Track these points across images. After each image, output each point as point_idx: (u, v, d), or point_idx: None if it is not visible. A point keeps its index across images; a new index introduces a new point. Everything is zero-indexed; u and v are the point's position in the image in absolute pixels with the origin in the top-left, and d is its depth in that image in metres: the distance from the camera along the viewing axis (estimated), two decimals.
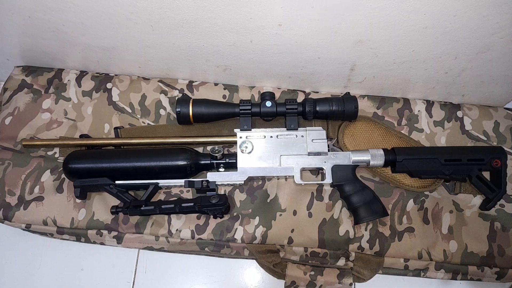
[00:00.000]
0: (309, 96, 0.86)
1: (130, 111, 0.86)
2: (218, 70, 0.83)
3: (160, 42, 0.77)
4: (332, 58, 0.76)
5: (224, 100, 0.85)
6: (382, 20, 0.66)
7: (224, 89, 0.87)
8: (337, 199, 0.78)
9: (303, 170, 0.77)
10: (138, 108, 0.86)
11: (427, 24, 0.67)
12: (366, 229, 0.76)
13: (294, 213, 0.77)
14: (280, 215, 0.77)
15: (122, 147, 0.81)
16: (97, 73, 0.91)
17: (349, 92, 0.82)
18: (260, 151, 0.77)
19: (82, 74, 0.90)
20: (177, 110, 0.77)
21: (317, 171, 0.80)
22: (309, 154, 0.76)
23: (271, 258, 0.76)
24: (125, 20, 0.72)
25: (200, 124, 0.81)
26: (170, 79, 0.89)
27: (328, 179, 0.75)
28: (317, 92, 0.87)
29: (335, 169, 0.75)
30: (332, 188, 0.79)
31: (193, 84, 0.88)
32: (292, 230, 0.76)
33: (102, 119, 0.86)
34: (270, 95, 0.79)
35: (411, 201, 0.79)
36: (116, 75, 0.90)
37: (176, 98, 0.82)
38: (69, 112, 0.86)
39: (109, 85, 0.88)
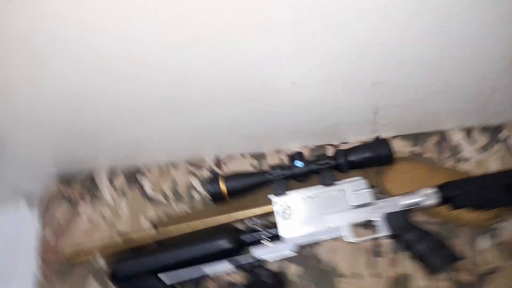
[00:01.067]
0: (339, 148, 0.83)
1: (164, 200, 0.85)
2: (241, 140, 0.82)
3: (181, 125, 0.77)
4: (352, 105, 0.74)
5: (254, 170, 0.83)
6: (393, 59, 0.64)
7: (252, 158, 0.85)
8: (399, 251, 0.71)
9: (352, 225, 0.71)
10: (171, 196, 0.85)
11: (440, 55, 0.65)
12: (444, 280, 0.67)
13: (356, 276, 0.70)
14: (340, 281, 0.70)
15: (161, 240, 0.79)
16: (127, 167, 0.91)
17: (378, 136, 0.78)
18: (301, 215, 0.72)
19: (113, 172, 0.91)
20: (209, 190, 0.74)
21: (368, 225, 0.73)
22: (354, 207, 0.71)
23: None
24: (146, 111, 0.73)
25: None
26: (197, 159, 0.88)
27: (384, 231, 0.69)
28: (346, 143, 0.84)
29: (388, 218, 0.69)
30: (389, 240, 0.72)
31: (220, 159, 0.86)
32: None
33: (138, 213, 0.85)
34: (298, 155, 0.76)
35: (483, 238, 0.71)
36: (145, 166, 0.90)
37: (206, 178, 0.81)
38: (106, 213, 0.86)
39: (139, 178, 0.88)
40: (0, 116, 0.74)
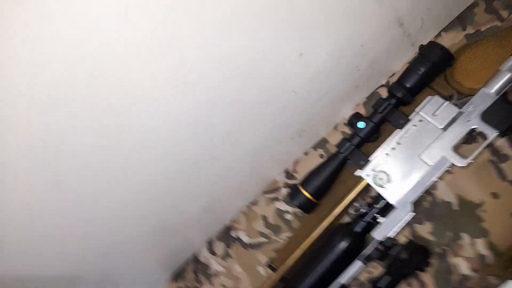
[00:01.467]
0: (390, 84, 0.73)
1: (265, 239, 0.80)
2: (295, 141, 0.75)
3: (237, 153, 0.73)
4: (373, 34, 0.65)
5: (323, 160, 0.76)
6: None
7: (316, 149, 0.79)
8: None
9: (456, 148, 0.61)
10: (268, 231, 0.80)
11: None
12: None
13: (495, 195, 0.58)
14: (484, 210, 0.59)
15: (286, 276, 0.74)
16: (218, 232, 0.89)
17: (422, 44, 0.67)
18: (397, 171, 0.62)
19: (209, 243, 0.89)
20: (296, 204, 0.69)
21: (472, 137, 0.62)
22: (444, 129, 0.60)
23: None
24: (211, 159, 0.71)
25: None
26: (269, 184, 0.83)
27: (492, 132, 0.57)
28: (394, 74, 0.74)
29: (487, 116, 0.58)
30: (503, 140, 0.60)
31: (289, 170, 0.81)
32: None
33: (252, 266, 0.81)
34: (356, 117, 0.68)
35: None
36: (231, 220, 0.87)
37: (287, 196, 0.75)
38: (227, 283, 0.84)
39: (234, 234, 0.85)
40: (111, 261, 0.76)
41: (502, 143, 0.60)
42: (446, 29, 0.70)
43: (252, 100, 0.61)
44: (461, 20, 0.69)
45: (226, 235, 0.86)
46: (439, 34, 0.70)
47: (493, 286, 0.56)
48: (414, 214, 0.60)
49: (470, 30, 0.68)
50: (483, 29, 0.67)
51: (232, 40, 0.50)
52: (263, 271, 0.79)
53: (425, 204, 0.64)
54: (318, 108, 0.70)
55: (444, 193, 0.63)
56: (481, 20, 0.67)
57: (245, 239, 0.83)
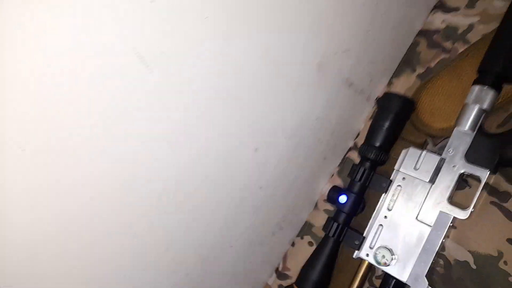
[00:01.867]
0: (359, 146, 0.67)
1: None
2: (277, 235, 0.66)
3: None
4: (327, 106, 0.61)
5: (314, 248, 0.67)
6: None
7: (302, 237, 0.70)
8: None
9: (451, 199, 0.53)
10: None
11: None
12: None
13: (511, 241, 0.50)
14: (506, 262, 0.50)
15: None
16: None
17: (378, 97, 0.63)
18: (398, 241, 0.54)
19: None
20: None
21: (462, 181, 0.55)
22: (431, 181, 0.54)
23: None
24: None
25: None
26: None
27: (482, 172, 0.50)
28: (359, 134, 0.68)
29: (472, 156, 0.51)
30: (496, 175, 0.53)
31: (279, 268, 0.71)
32: None
33: None
34: (334, 191, 0.61)
35: None
36: None
37: None
38: None
39: None
40: None
41: (497, 179, 0.53)
42: (396, 75, 0.66)
43: (224, 213, 0.54)
44: (407, 63, 0.66)
45: None
46: (390, 82, 0.66)
47: None
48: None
49: (420, 69, 0.64)
50: (432, 65, 0.63)
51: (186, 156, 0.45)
52: None
53: (439, 269, 0.55)
54: (291, 194, 0.63)
55: (456, 252, 0.54)
56: (427, 57, 0.64)
57: None
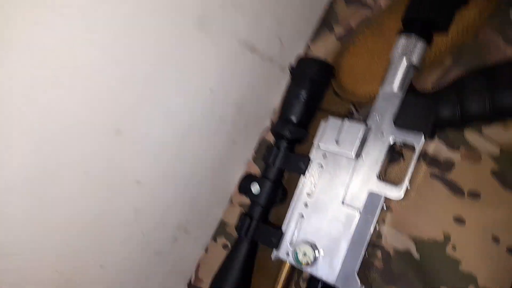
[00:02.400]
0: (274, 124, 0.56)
1: None
2: (181, 242, 0.52)
3: None
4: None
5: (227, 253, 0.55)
6: None
7: (216, 240, 0.57)
8: (457, 140, 0.43)
9: (382, 176, 0.44)
10: None
11: None
12: None
13: (459, 221, 0.41)
14: (454, 247, 0.41)
15: None
16: None
17: (291, 65, 0.53)
18: (322, 234, 0.43)
19: None
20: None
21: (396, 153, 0.46)
22: (357, 157, 0.44)
23: None
24: None
25: None
26: None
27: (417, 138, 0.41)
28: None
29: (402, 119, 0.42)
30: (435, 141, 0.44)
31: (192, 281, 0.58)
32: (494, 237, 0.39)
33: None
34: (246, 180, 0.50)
35: None
36: None
37: None
38: None
39: None
40: None
41: (437, 147, 0.44)
42: (313, 38, 0.56)
43: (84, 225, 0.41)
44: (325, 23, 0.56)
45: None
46: (308, 47, 0.56)
47: None
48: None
49: (340, 30, 0.55)
50: (353, 24, 0.54)
51: None
52: None
53: (377, 264, 0.45)
54: (194, 190, 0.51)
55: (394, 240, 0.44)
56: (347, 15, 0.54)
57: None
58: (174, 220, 0.50)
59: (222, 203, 0.56)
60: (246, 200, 0.55)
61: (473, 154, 0.41)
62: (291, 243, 0.45)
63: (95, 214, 0.42)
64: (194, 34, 0.42)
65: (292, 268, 0.47)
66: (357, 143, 0.43)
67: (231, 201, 0.57)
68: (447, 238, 0.41)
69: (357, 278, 0.40)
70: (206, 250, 0.56)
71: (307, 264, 0.43)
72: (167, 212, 0.48)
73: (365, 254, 0.41)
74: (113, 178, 0.42)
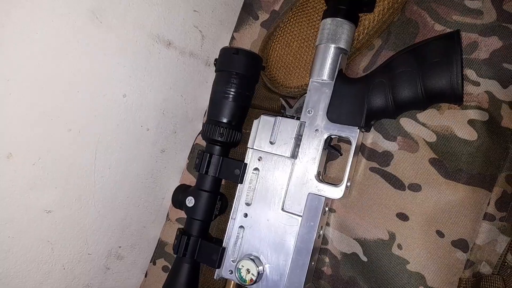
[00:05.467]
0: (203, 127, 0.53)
1: None
2: (114, 271, 0.50)
3: None
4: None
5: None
6: None
7: (155, 263, 0.54)
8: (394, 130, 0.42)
9: (321, 175, 0.42)
10: None
11: None
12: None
13: (403, 217, 0.40)
14: (400, 246, 0.40)
15: None
16: None
17: (215, 59, 0.49)
18: (265, 246, 0.41)
19: None
20: None
21: (332, 150, 0.44)
22: (294, 156, 0.41)
23: None
24: None
25: None
26: None
27: (351, 131, 0.39)
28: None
29: (335, 112, 0.40)
30: (373, 131, 0.43)
31: None
32: (438, 231, 0.38)
33: None
34: (179, 192, 0.47)
35: None
36: None
37: None
38: None
39: None
40: None
41: (374, 137, 0.42)
42: (236, 27, 0.53)
43: None
44: (247, 10, 0.53)
45: None
46: (232, 38, 0.53)
47: None
48: None
49: (264, 15, 0.52)
50: (277, 7, 0.51)
51: None
52: None
53: (325, 270, 0.43)
54: (121, 209, 0.47)
55: (341, 243, 0.43)
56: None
57: None
58: (101, 247, 0.46)
59: (158, 221, 0.53)
60: (184, 215, 0.52)
61: (410, 142, 0.40)
62: (233, 260, 0.42)
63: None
64: (88, 26, 0.37)
65: (238, 286, 0.45)
66: (292, 142, 0.41)
67: (168, 218, 0.53)
68: (392, 237, 0.40)
69: None
70: (146, 274, 0.53)
71: (251, 281, 0.40)
72: (91, 239, 0.44)
73: (311, 263, 0.40)
74: (20, 208, 0.37)
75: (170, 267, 0.52)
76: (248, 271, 0.41)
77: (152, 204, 0.52)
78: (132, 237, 0.50)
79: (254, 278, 0.40)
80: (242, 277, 0.41)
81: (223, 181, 0.48)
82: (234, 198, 0.44)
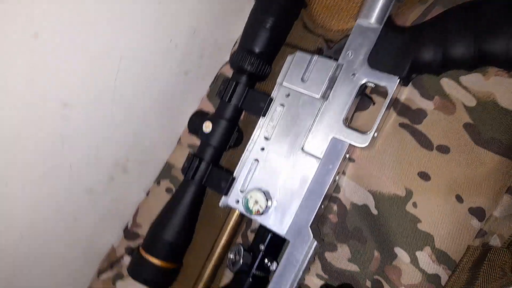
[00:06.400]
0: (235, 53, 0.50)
1: None
2: (118, 181, 0.49)
3: None
4: None
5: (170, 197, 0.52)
6: None
7: (159, 183, 0.53)
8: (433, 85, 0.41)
9: (349, 121, 0.41)
10: None
11: None
12: None
13: (424, 177, 0.40)
14: (415, 204, 0.40)
15: None
16: None
17: None
18: (277, 182, 0.41)
19: None
20: (140, 282, 0.44)
21: (366, 98, 0.43)
22: (325, 97, 0.41)
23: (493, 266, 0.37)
24: None
25: None
26: (106, 256, 0.56)
27: (390, 81, 0.38)
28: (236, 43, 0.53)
29: (377, 58, 0.38)
30: (407, 87, 0.42)
31: (128, 226, 0.55)
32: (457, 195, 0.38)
33: None
34: (197, 117, 0.46)
35: None
36: None
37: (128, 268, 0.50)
38: None
39: None
40: None
41: (409, 93, 0.41)
42: None
43: None
44: None
45: None
46: None
47: None
48: (316, 242, 0.39)
49: None
50: None
51: None
52: None
53: (331, 217, 0.43)
54: (135, 126, 0.47)
55: (353, 193, 0.43)
56: None
57: None
58: (110, 155, 0.45)
59: (169, 143, 0.53)
60: (196, 142, 0.52)
61: (447, 104, 0.39)
62: (242, 190, 0.42)
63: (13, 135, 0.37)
64: None
65: (241, 217, 0.45)
66: (326, 82, 0.40)
67: (179, 141, 0.53)
68: (408, 194, 0.40)
69: (310, 231, 0.39)
70: (148, 193, 0.53)
71: (258, 212, 0.40)
72: (102, 145, 0.43)
73: (321, 206, 0.40)
74: (35, 98, 0.36)
75: (173, 189, 0.52)
76: (256, 202, 0.41)
77: (166, 125, 0.51)
78: (141, 154, 0.50)
79: (261, 210, 0.40)
80: (248, 208, 0.41)
81: (241, 117, 0.47)
82: (250, 136, 0.43)
